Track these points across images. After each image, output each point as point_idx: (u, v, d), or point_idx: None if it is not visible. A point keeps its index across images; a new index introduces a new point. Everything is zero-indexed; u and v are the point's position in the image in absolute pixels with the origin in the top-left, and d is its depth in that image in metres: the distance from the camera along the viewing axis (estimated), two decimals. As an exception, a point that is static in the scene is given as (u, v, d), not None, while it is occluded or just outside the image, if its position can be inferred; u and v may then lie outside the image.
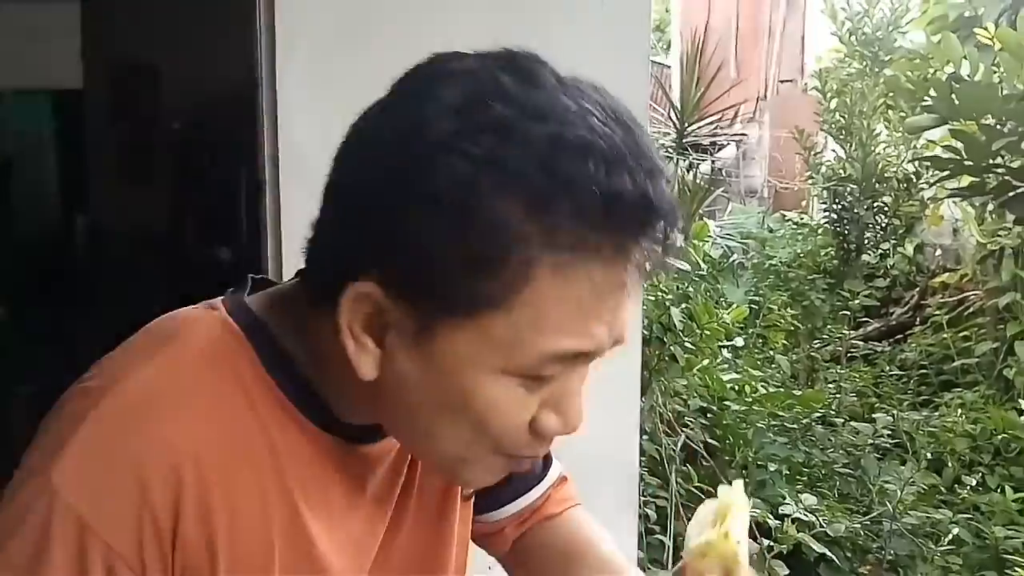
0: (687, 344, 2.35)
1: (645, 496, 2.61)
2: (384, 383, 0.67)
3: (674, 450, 2.57)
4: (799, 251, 6.60)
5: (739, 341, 2.81)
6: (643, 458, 2.77)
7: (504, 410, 0.66)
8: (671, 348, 2.29)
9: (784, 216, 7.70)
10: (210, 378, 0.70)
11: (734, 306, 2.96)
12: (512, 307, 0.62)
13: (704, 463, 2.80)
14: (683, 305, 2.33)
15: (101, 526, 0.64)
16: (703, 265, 2.22)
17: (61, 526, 0.64)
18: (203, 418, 0.68)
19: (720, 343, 2.73)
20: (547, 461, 1.00)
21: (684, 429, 2.72)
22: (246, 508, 0.69)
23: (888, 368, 5.00)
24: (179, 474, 0.65)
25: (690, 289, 2.44)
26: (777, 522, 2.22)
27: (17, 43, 5.65)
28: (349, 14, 1.99)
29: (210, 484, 0.67)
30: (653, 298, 2.39)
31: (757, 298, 5.31)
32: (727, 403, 3.01)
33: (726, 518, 0.70)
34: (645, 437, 2.72)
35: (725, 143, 10.84)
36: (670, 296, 2.32)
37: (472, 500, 0.90)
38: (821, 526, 2.31)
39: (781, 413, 3.46)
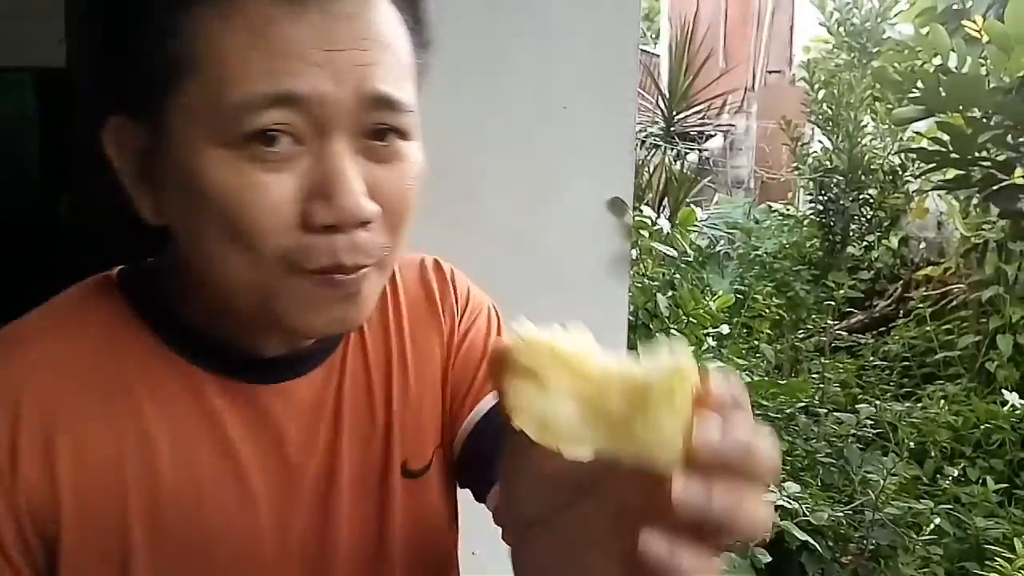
0: (673, 331, 2.35)
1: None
2: (172, 228, 0.69)
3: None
4: (784, 242, 6.61)
5: (724, 329, 2.79)
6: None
7: (244, 194, 0.62)
8: (656, 335, 2.29)
9: (770, 207, 7.71)
10: (71, 326, 0.72)
11: (719, 294, 2.95)
12: (198, 64, 0.62)
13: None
14: (669, 292, 2.32)
15: None
16: (690, 252, 2.21)
17: None
18: (56, 360, 0.69)
19: (705, 331, 2.72)
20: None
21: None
22: (94, 450, 0.69)
23: (871, 360, 5.01)
24: (18, 411, 0.67)
25: (676, 276, 2.43)
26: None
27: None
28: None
29: (54, 424, 0.67)
30: (640, 284, 2.38)
31: (743, 288, 5.31)
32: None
33: (566, 358, 0.50)
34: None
35: (713, 133, 10.84)
36: (656, 283, 2.32)
37: (427, 475, 0.82)
38: (804, 515, 2.32)
39: (765, 403, 3.47)
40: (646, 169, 4.92)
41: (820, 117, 6.28)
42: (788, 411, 3.46)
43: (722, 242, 6.35)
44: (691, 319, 2.39)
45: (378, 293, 0.70)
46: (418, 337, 0.83)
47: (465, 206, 2.09)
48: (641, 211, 2.26)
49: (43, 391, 0.68)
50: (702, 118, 9.43)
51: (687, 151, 7.48)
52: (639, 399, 0.47)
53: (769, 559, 2.20)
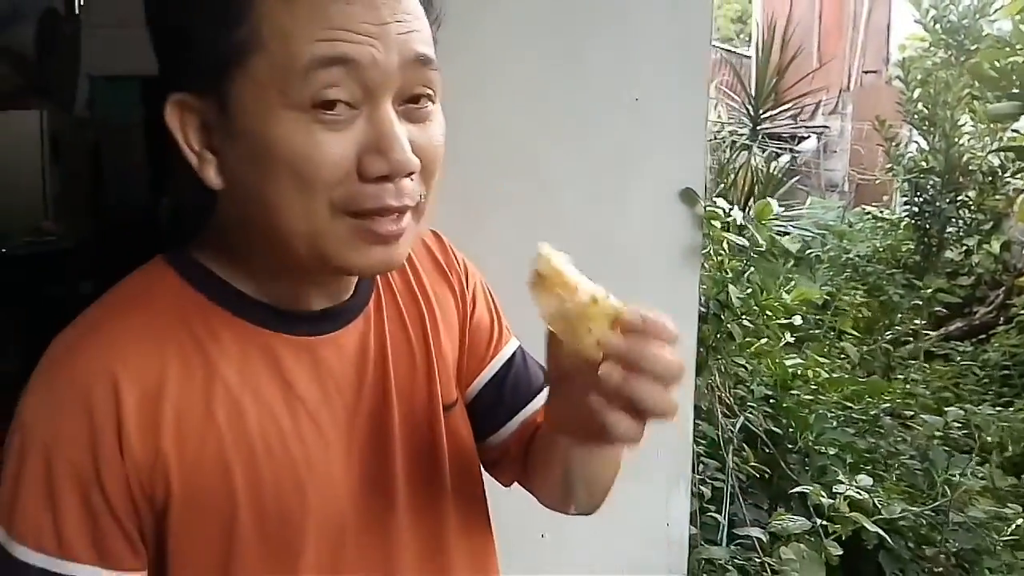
0: (745, 323, 2.36)
1: (702, 476, 2.61)
2: (231, 191, 0.77)
3: (732, 431, 2.57)
4: (878, 245, 6.45)
5: (797, 320, 2.78)
6: (703, 440, 2.78)
7: (310, 149, 0.72)
8: (728, 326, 2.30)
9: (865, 210, 7.53)
10: (143, 306, 0.81)
11: (791, 285, 2.93)
12: (263, 43, 0.71)
13: (764, 448, 2.79)
14: (741, 282, 2.33)
15: (61, 443, 0.74)
16: (762, 242, 2.21)
17: (31, 452, 0.75)
18: (136, 336, 0.78)
19: (780, 324, 2.71)
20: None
21: (745, 414, 2.71)
22: (189, 413, 0.77)
23: (968, 366, 4.86)
24: (116, 383, 0.75)
25: (749, 267, 2.43)
26: (830, 500, 2.20)
27: (109, 30, 5.91)
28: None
29: (149, 395, 0.76)
30: (712, 275, 2.39)
31: (835, 292, 5.22)
32: (792, 390, 2.99)
33: (563, 275, 0.74)
34: (704, 419, 2.73)
35: (806, 135, 10.65)
36: (730, 274, 2.33)
37: (455, 410, 0.95)
38: (875, 507, 2.29)
39: (850, 404, 3.42)
40: (731, 169, 4.89)
41: (916, 117, 6.11)
42: (872, 413, 3.40)
43: (814, 245, 6.26)
44: (766, 312, 2.40)
45: (414, 238, 0.80)
46: (439, 296, 0.97)
47: (539, 197, 2.15)
48: (715, 203, 2.27)
49: (132, 364, 0.76)
50: (795, 120, 9.29)
51: (779, 152, 7.38)
52: (584, 312, 0.72)
53: (840, 552, 2.18)
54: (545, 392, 0.99)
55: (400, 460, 0.87)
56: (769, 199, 2.55)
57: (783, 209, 8.30)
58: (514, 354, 1.02)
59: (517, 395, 1.00)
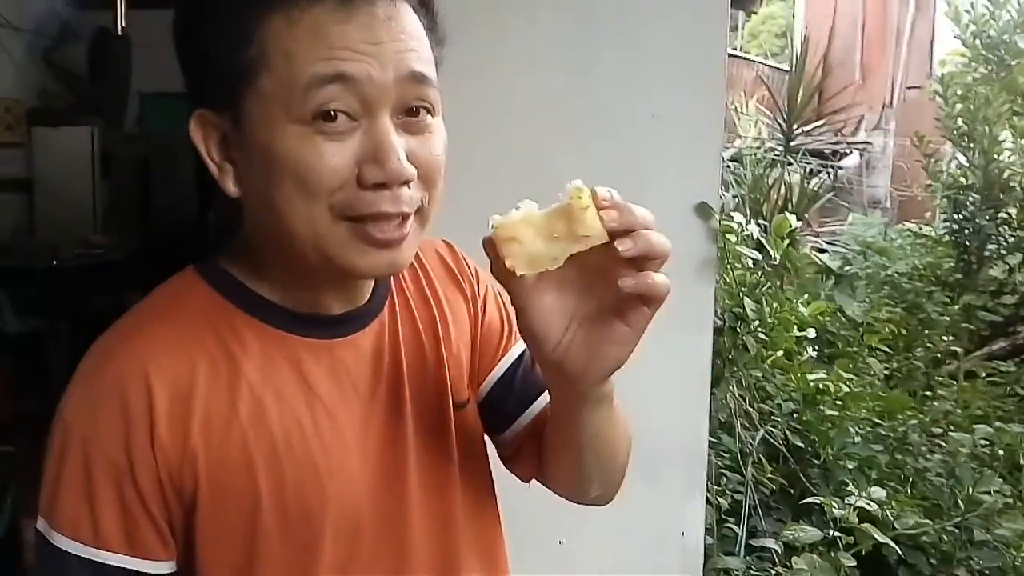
0: (760, 335, 2.38)
1: (722, 488, 2.64)
2: (247, 198, 0.84)
3: (751, 444, 2.59)
4: (916, 263, 6.38)
5: (811, 332, 2.80)
6: (725, 453, 2.80)
7: (311, 159, 0.78)
8: (743, 338, 2.33)
9: (906, 227, 7.45)
10: (174, 313, 0.87)
11: (805, 298, 2.94)
12: (269, 63, 0.78)
13: (785, 463, 2.81)
14: (756, 295, 2.36)
15: (98, 439, 0.80)
16: (776, 256, 2.24)
17: (70, 447, 0.81)
18: (168, 340, 0.84)
19: (796, 336, 2.73)
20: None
21: (767, 427, 2.73)
22: (216, 411, 0.83)
23: (1012, 387, 4.77)
24: (149, 384, 0.81)
25: (767, 281, 2.46)
26: (842, 512, 2.22)
27: (158, 49, 6.10)
28: None
29: (179, 395, 0.82)
30: (728, 289, 2.43)
31: (869, 308, 5.18)
32: (818, 404, 3.00)
33: (519, 219, 0.76)
34: (725, 431, 2.75)
35: (848, 151, 10.57)
36: (744, 287, 2.37)
37: (467, 408, 1.00)
38: (888, 519, 2.29)
39: (879, 421, 3.41)
40: (763, 184, 4.90)
41: (955, 132, 6.05)
42: (901, 429, 3.39)
43: (855, 261, 6.22)
44: (778, 323, 2.43)
45: (417, 242, 0.85)
46: (451, 300, 1.02)
47: (557, 211, 2.21)
48: (731, 217, 2.31)
49: (164, 366, 0.82)
50: (837, 135, 9.23)
51: (818, 168, 7.34)
52: (568, 216, 0.75)
53: (853, 563, 2.20)
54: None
55: (413, 456, 0.92)
56: (787, 214, 2.57)
57: (821, 226, 8.28)
58: (523, 353, 1.06)
59: (527, 390, 1.04)
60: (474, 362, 1.03)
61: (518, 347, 1.06)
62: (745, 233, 2.21)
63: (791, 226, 2.38)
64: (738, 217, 2.25)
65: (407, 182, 0.80)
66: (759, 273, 2.39)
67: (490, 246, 0.76)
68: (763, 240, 2.17)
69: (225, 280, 0.89)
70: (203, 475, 0.82)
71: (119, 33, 4.35)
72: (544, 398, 1.02)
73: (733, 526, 2.47)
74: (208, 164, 0.84)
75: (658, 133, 2.21)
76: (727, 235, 2.14)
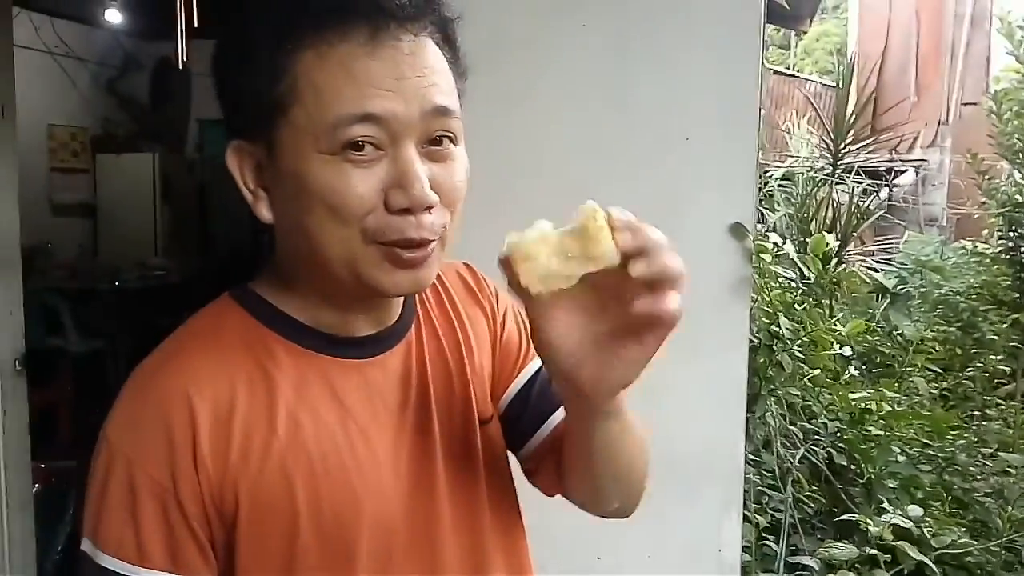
0: (796, 353, 2.39)
1: (763, 506, 2.64)
2: (280, 224, 0.88)
3: (791, 462, 2.59)
4: (972, 281, 6.27)
5: (847, 351, 2.78)
6: (767, 472, 2.80)
7: (341, 187, 0.82)
8: (779, 356, 2.34)
9: (964, 245, 7.31)
10: (212, 337, 0.91)
11: (841, 317, 2.93)
12: (302, 97, 0.83)
13: (827, 482, 2.80)
14: (793, 312, 2.37)
15: (142, 459, 0.83)
16: (811, 275, 2.26)
17: (115, 467, 0.84)
18: (208, 363, 0.88)
19: (834, 355, 2.73)
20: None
21: (808, 445, 2.73)
22: (256, 432, 0.86)
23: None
24: (191, 406, 0.84)
25: (798, 299, 2.47)
26: (877, 529, 2.21)
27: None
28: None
29: (220, 416, 0.85)
30: (763, 308, 2.44)
31: (922, 328, 5.11)
32: (861, 423, 2.98)
33: (533, 238, 0.77)
34: (766, 450, 2.76)
35: (903, 169, 10.42)
36: (780, 306, 2.38)
37: (491, 424, 1.03)
38: (924, 536, 2.28)
39: (927, 442, 3.37)
40: (811, 204, 4.88)
41: (1010, 149, 5.95)
42: (950, 449, 3.35)
43: (911, 280, 6.13)
44: (813, 340, 2.44)
45: (439, 264, 0.90)
46: (472, 318, 1.06)
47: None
48: (767, 237, 2.33)
49: (205, 388, 0.86)
50: (890, 153, 9.10)
51: (871, 188, 7.25)
52: (583, 236, 0.76)
53: (889, 579, 2.19)
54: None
55: (442, 473, 0.95)
56: (825, 234, 2.58)
57: (876, 245, 8.15)
58: (540, 368, 1.08)
59: (543, 405, 1.07)
60: (494, 375, 1.06)
61: (535, 363, 1.08)
62: (781, 252, 2.22)
63: (828, 245, 2.39)
64: (774, 237, 2.26)
65: (430, 208, 0.84)
66: (797, 292, 2.40)
67: (505, 264, 0.77)
68: (796, 259, 2.18)
69: (258, 304, 0.93)
70: (244, 495, 0.84)
71: (180, 64, 4.52)
72: (561, 412, 1.04)
73: (773, 544, 2.47)
74: (243, 192, 0.88)
75: (692, 155, 2.26)
76: (762, 255, 2.16)
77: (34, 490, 2.73)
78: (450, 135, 0.87)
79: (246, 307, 0.93)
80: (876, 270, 6.68)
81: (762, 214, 4.42)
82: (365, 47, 0.82)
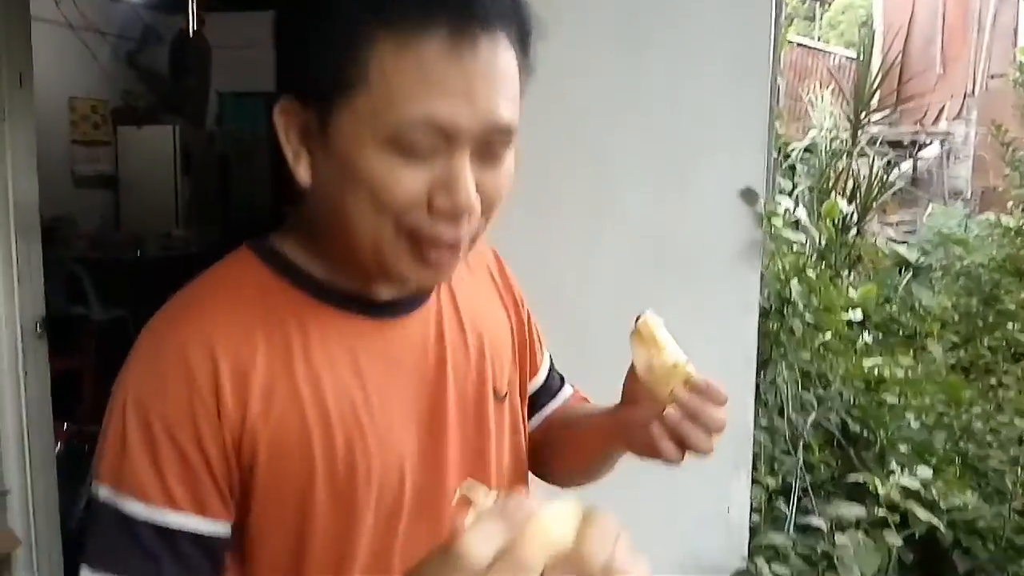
0: (806, 318, 2.39)
1: (775, 471, 2.66)
2: (316, 189, 0.87)
3: (803, 427, 2.60)
4: (995, 254, 6.22)
5: (858, 314, 2.77)
6: (779, 437, 2.81)
7: (389, 181, 0.81)
8: (790, 321, 2.34)
9: (988, 218, 7.24)
10: (232, 289, 0.91)
11: (852, 280, 2.92)
12: (370, 84, 0.80)
13: (839, 447, 2.81)
14: (804, 277, 2.37)
15: (164, 406, 0.83)
16: (821, 242, 2.25)
17: (135, 415, 0.84)
18: (227, 314, 0.88)
19: (848, 321, 2.72)
20: (562, 382, 1.21)
21: (819, 410, 2.74)
22: (274, 380, 0.87)
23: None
24: (213, 354, 0.85)
25: (810, 265, 2.46)
26: (885, 490, 2.21)
27: (235, 51, 6.33)
28: None
29: (240, 365, 0.86)
30: (775, 273, 2.44)
31: (943, 299, 5.08)
32: (874, 389, 2.98)
33: (656, 338, 0.94)
34: (779, 415, 2.77)
35: (928, 141, 10.30)
36: (792, 271, 2.38)
37: (505, 402, 1.05)
38: (934, 498, 2.28)
39: (943, 410, 3.37)
40: (831, 173, 4.85)
41: (1033, 121, 5.88)
42: (965, 417, 3.35)
43: (934, 253, 6.10)
44: (824, 305, 2.44)
45: (463, 258, 0.90)
46: (494, 303, 1.09)
47: (604, 195, 2.27)
48: (778, 202, 2.33)
49: (225, 337, 0.86)
50: (916, 125, 8.99)
51: (894, 159, 7.17)
52: (666, 371, 0.93)
53: (899, 542, 2.20)
54: (560, 393, 1.21)
55: (452, 440, 0.96)
56: (839, 199, 2.56)
57: (900, 218, 8.08)
58: (550, 369, 1.19)
59: (542, 399, 1.17)
60: (514, 362, 1.10)
61: (545, 363, 1.18)
62: (793, 219, 2.22)
63: (841, 211, 2.38)
64: (786, 202, 2.26)
65: (470, 215, 0.84)
66: (809, 257, 2.40)
67: (636, 335, 0.95)
68: (808, 224, 2.18)
69: (278, 260, 0.92)
70: (263, 444, 0.84)
71: (191, 35, 4.53)
72: (553, 403, 1.18)
73: (783, 507, 2.49)
74: (284, 149, 0.87)
75: (704, 119, 2.26)
76: (773, 220, 2.16)
77: (57, 450, 2.79)
78: (506, 142, 0.86)
79: (265, 260, 0.92)
80: (898, 242, 6.64)
81: (782, 187, 4.40)
82: (443, 46, 0.79)
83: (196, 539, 0.84)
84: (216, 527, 0.85)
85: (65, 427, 3.15)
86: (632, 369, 0.98)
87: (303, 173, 0.86)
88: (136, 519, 0.82)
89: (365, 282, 0.92)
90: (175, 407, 0.83)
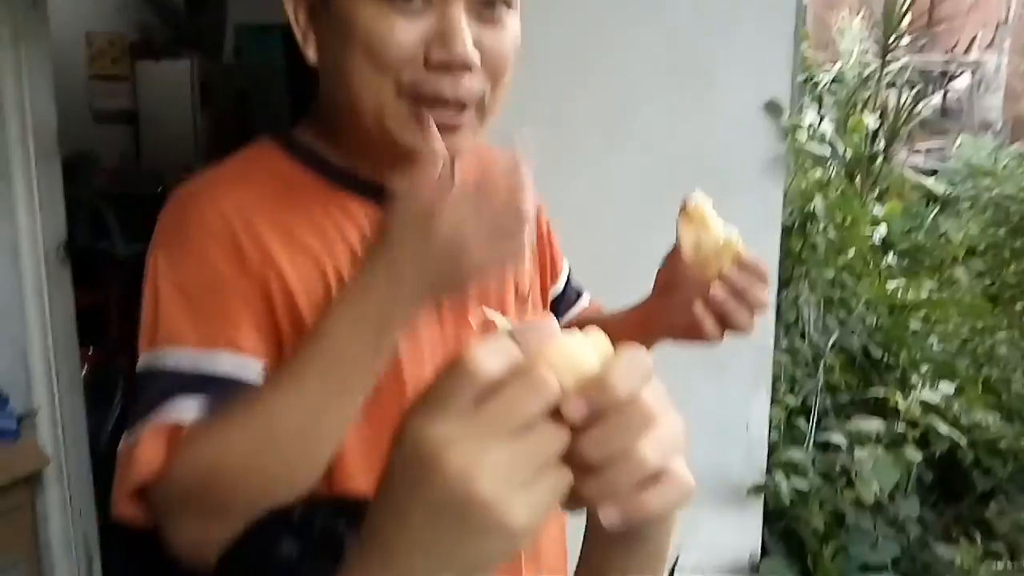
0: (829, 234, 2.36)
1: (794, 392, 2.66)
2: (324, 66, 0.89)
3: (822, 348, 2.59)
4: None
5: (882, 229, 2.73)
6: (799, 360, 2.80)
7: (383, 33, 0.83)
8: (814, 238, 2.32)
9: (1019, 150, 7.10)
10: (256, 170, 0.93)
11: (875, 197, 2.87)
12: None
13: (861, 368, 2.80)
14: (827, 193, 2.33)
15: (187, 257, 0.86)
16: (843, 153, 2.21)
17: (162, 273, 0.86)
18: (247, 190, 0.90)
19: (871, 242, 2.69)
20: (578, 295, 1.23)
21: (841, 328, 2.72)
22: (289, 234, 0.89)
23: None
24: (237, 212, 0.87)
25: (835, 181, 2.42)
26: (905, 404, 2.20)
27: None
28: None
29: (257, 221, 0.87)
30: (799, 189, 2.41)
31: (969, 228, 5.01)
32: (897, 310, 2.96)
33: (706, 218, 0.97)
34: (800, 338, 2.76)
35: (959, 72, 10.09)
36: (816, 187, 2.34)
37: (527, 303, 1.05)
38: (955, 415, 2.27)
39: (967, 338, 3.34)
40: (857, 101, 4.75)
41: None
42: (989, 342, 3.33)
43: (962, 185, 5.99)
44: (848, 222, 2.41)
45: (475, 134, 0.90)
46: None
47: (627, 111, 2.23)
48: (803, 116, 2.29)
49: (241, 200, 0.88)
50: (946, 54, 8.78)
51: (923, 88, 7.01)
52: (715, 249, 0.96)
53: (919, 458, 2.19)
54: (579, 303, 1.23)
55: (471, 337, 0.97)
56: (862, 115, 2.51)
57: (929, 149, 7.94)
58: (568, 276, 1.20)
59: (561, 307, 1.19)
60: (543, 272, 1.13)
61: (564, 271, 1.21)
62: (819, 133, 2.18)
63: (868, 128, 2.33)
64: (811, 116, 2.22)
65: (470, 68, 0.84)
66: (833, 171, 2.35)
67: (684, 215, 0.97)
68: (835, 137, 2.13)
69: (298, 146, 0.95)
70: (289, 284, 0.86)
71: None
72: (574, 310, 1.22)
73: (803, 426, 2.49)
74: (295, 29, 0.90)
75: (730, 33, 2.21)
76: (795, 134, 2.12)
77: (83, 373, 2.83)
78: (505, 2, 0.86)
79: (284, 147, 0.95)
80: (926, 173, 6.52)
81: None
82: None
83: (229, 381, 0.84)
84: (253, 365, 0.85)
85: (91, 351, 3.19)
86: (672, 254, 1.02)
87: (310, 52, 0.89)
88: (173, 369, 0.83)
89: (380, 171, 0.92)
90: (198, 257, 0.85)
